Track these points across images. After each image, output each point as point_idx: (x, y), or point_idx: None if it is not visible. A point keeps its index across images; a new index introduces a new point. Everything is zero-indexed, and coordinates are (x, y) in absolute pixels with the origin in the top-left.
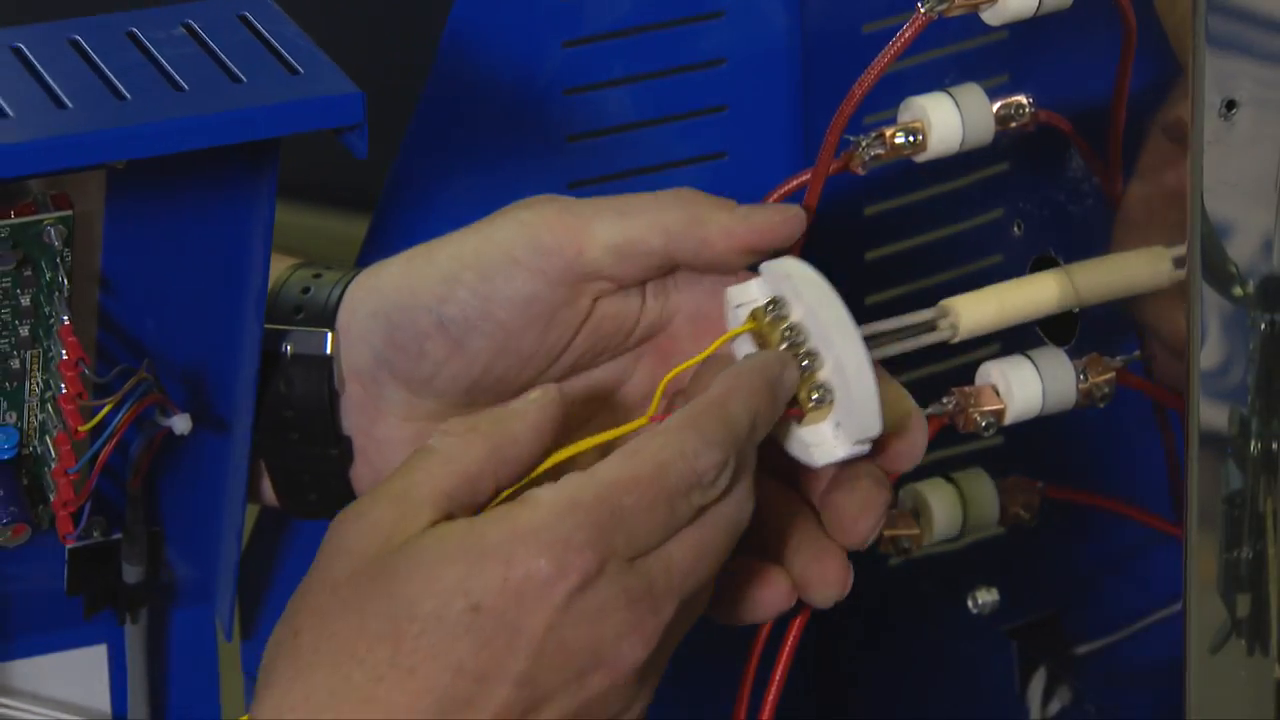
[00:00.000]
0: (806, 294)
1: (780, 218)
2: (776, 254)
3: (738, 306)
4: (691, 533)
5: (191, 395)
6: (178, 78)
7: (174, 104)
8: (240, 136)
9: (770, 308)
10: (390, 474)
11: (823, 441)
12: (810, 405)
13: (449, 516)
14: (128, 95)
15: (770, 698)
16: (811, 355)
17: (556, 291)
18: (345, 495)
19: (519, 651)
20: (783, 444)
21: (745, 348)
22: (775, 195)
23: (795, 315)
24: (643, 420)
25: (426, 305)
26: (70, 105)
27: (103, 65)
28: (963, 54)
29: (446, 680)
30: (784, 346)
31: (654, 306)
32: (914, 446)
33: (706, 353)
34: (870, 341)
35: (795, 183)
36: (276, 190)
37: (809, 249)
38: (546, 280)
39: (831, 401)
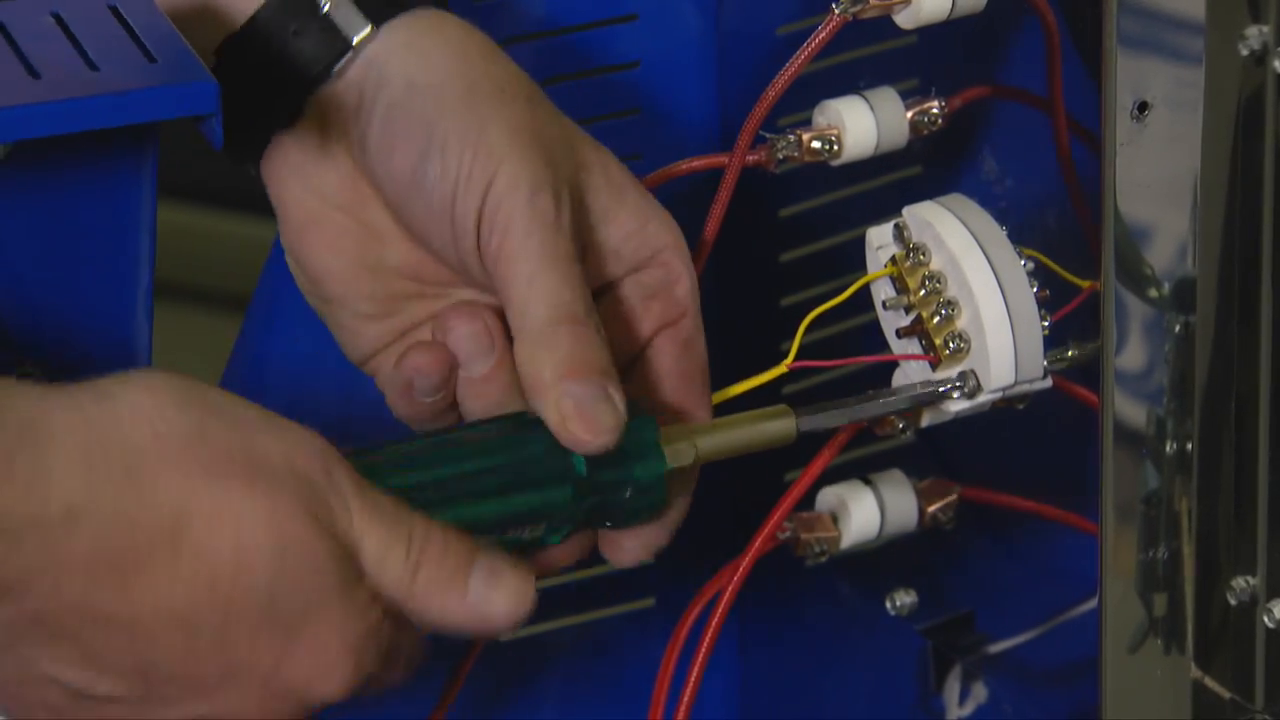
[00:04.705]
0: (949, 242)
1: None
2: (917, 197)
3: (879, 248)
4: None
5: None
6: (34, 65)
7: (25, 91)
8: (90, 124)
9: (910, 254)
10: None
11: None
12: (946, 353)
13: None
14: None
15: (686, 698)
16: (950, 304)
17: None
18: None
19: None
20: None
21: (885, 290)
22: (686, 166)
23: (935, 264)
24: (781, 368)
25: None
26: None
27: None
28: (871, 57)
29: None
30: (922, 294)
31: None
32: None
33: (846, 294)
34: None
35: (706, 162)
36: (157, 185)
37: (725, 253)
38: None
39: (967, 350)
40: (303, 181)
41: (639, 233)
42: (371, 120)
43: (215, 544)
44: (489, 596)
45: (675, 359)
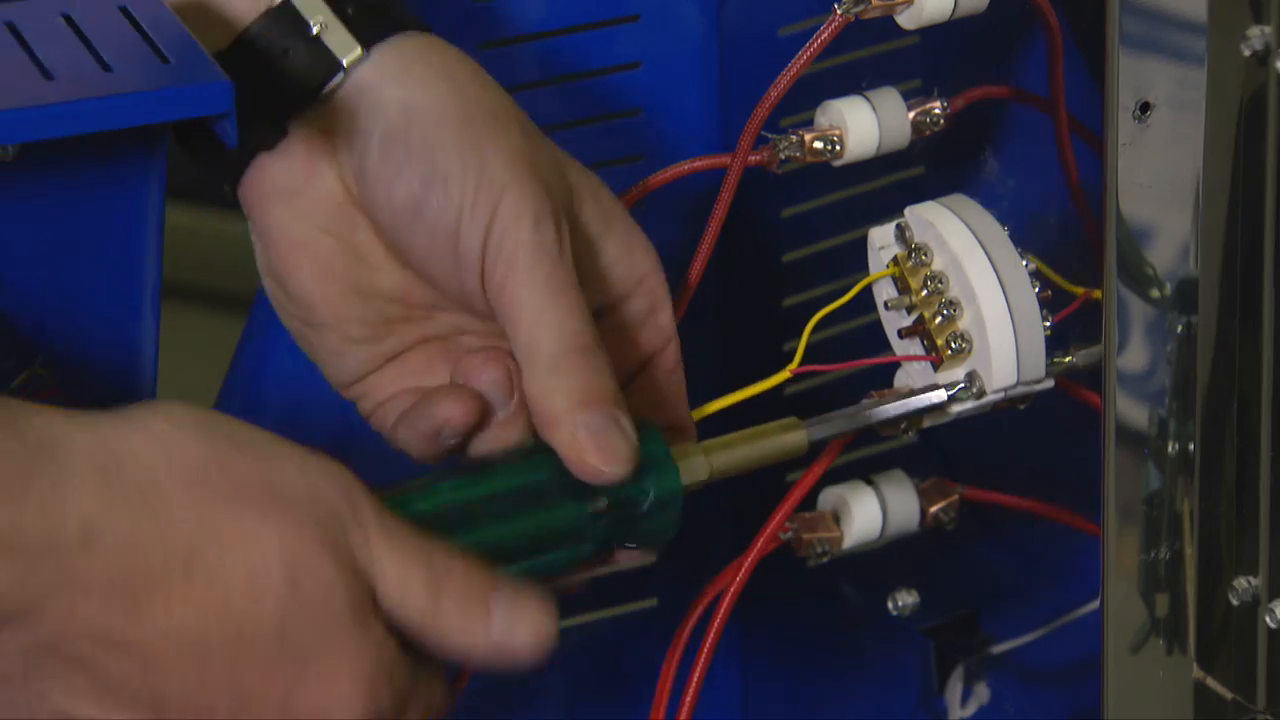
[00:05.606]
0: (951, 243)
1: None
2: (919, 198)
3: (881, 249)
4: None
5: (89, 391)
6: (48, 66)
7: (40, 91)
8: (104, 125)
9: (913, 254)
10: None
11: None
12: (948, 353)
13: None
14: None
15: (688, 699)
16: (952, 304)
17: None
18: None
19: None
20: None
21: (887, 290)
22: (689, 166)
23: (937, 264)
24: (784, 374)
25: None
26: None
27: None
28: (873, 57)
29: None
30: (924, 294)
31: None
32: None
33: (849, 296)
34: None
35: (708, 162)
36: (166, 184)
37: (728, 253)
38: None
39: (969, 351)
40: (289, 205)
41: (625, 258)
42: (369, 148)
43: (228, 570)
44: (513, 625)
45: (662, 386)
